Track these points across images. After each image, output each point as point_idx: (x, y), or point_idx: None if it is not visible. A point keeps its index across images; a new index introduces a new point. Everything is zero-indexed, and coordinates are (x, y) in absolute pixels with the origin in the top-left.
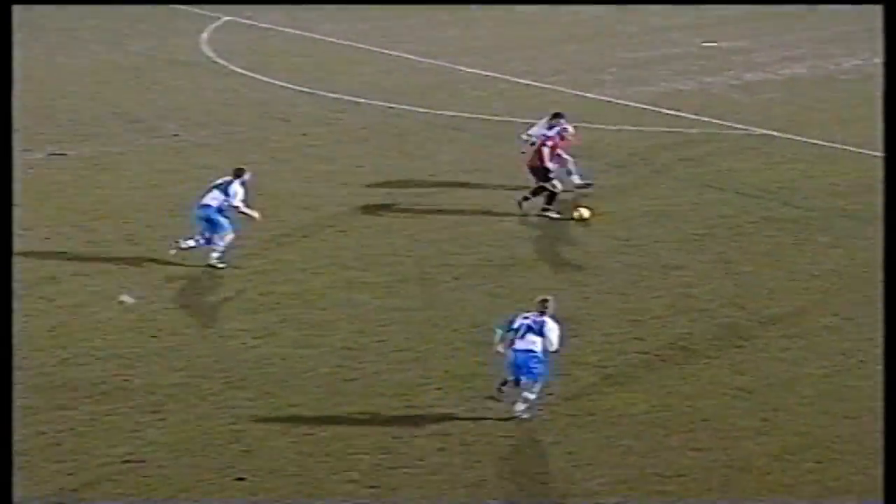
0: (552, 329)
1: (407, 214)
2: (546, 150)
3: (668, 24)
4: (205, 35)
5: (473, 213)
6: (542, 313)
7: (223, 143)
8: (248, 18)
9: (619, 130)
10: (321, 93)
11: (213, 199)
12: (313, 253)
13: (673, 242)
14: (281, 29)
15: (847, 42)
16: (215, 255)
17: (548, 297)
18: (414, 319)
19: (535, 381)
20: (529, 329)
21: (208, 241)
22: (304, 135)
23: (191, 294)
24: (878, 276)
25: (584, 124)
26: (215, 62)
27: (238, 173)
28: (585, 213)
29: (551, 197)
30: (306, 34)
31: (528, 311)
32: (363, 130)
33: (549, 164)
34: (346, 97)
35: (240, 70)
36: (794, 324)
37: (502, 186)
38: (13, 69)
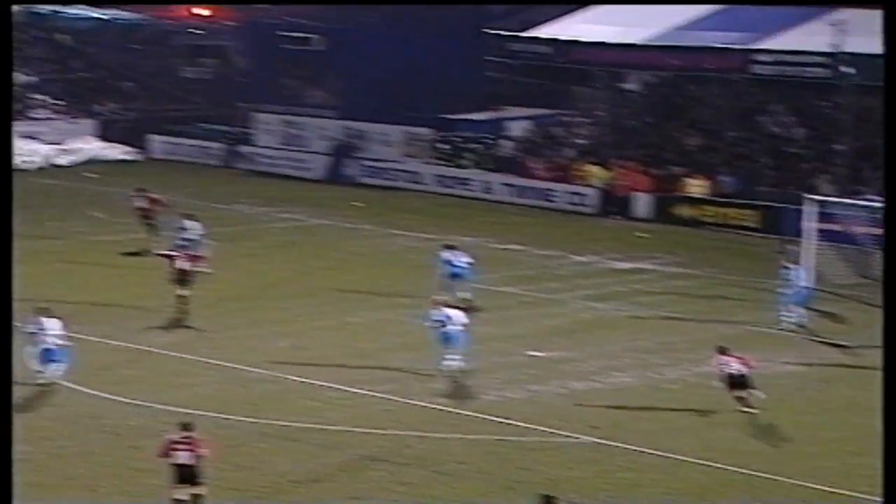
0: None
1: None
2: None
3: (496, 333)
4: None
5: None
6: None
7: (46, 459)
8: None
9: (445, 439)
10: (152, 405)
11: None
12: None
13: None
14: (109, 342)
15: (669, 352)
16: None
17: None
18: None
19: None
20: None
21: None
22: (134, 447)
23: None
24: None
25: (415, 433)
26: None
27: None
28: None
29: None
30: (132, 346)
31: None
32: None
33: None
34: (179, 410)
35: (67, 384)
36: None
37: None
38: None
